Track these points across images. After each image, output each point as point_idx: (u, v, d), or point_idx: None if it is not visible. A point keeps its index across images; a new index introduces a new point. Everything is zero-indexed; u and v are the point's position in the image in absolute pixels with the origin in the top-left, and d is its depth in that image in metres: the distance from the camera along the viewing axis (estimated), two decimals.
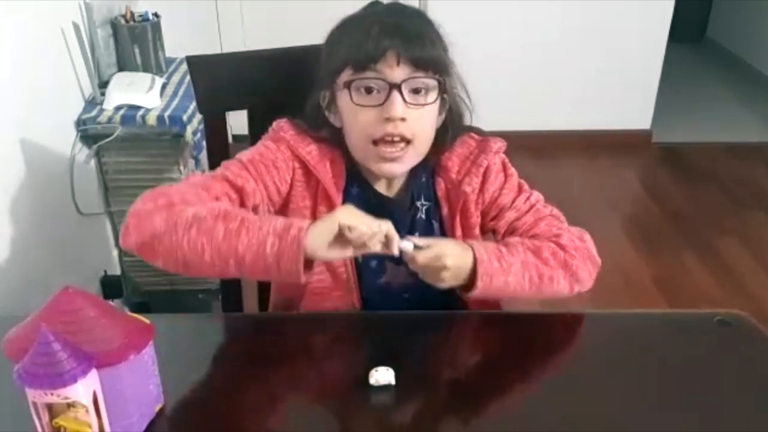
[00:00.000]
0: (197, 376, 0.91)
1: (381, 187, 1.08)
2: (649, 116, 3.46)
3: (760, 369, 0.94)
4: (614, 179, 3.28)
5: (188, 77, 1.40)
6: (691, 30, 4.72)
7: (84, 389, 0.70)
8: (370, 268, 1.08)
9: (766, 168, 3.33)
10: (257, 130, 1.08)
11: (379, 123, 0.98)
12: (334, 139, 1.05)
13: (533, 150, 3.16)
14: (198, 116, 1.83)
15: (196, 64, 1.19)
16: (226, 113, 1.24)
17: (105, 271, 1.93)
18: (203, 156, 1.91)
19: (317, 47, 1.06)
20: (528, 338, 1.00)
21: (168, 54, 2.08)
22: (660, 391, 0.88)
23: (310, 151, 1.04)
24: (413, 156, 1.02)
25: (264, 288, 1.24)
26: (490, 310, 1.14)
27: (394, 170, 1.03)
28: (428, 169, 1.09)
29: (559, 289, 1.03)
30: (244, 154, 1.03)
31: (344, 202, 1.04)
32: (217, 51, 1.39)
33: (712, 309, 1.04)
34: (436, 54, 0.99)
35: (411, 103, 0.97)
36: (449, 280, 0.95)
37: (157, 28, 2.00)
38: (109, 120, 1.77)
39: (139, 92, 1.83)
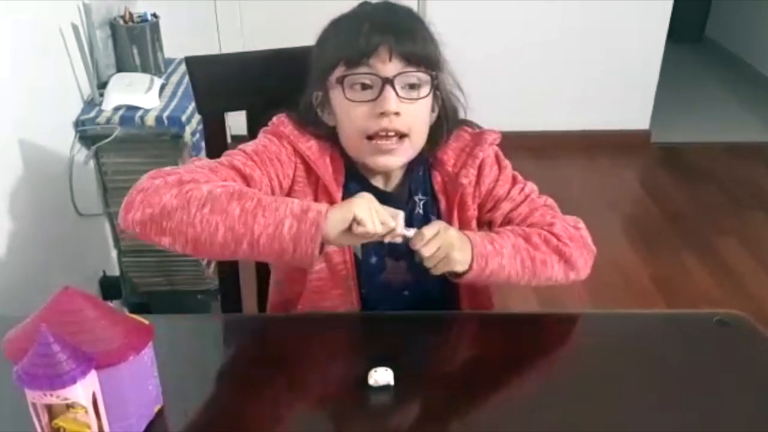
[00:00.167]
0: (196, 376, 0.91)
1: (378, 183, 1.08)
2: (648, 116, 3.47)
3: (759, 369, 0.94)
4: (613, 179, 3.28)
5: (187, 78, 1.40)
6: (690, 30, 4.73)
7: (83, 390, 0.70)
8: (369, 265, 1.08)
9: (766, 168, 3.33)
10: (256, 130, 1.08)
11: (373, 118, 0.98)
12: (328, 137, 1.05)
13: (533, 150, 3.16)
14: (197, 117, 1.83)
15: (195, 64, 1.19)
16: (225, 114, 1.24)
17: (104, 272, 1.93)
18: (202, 156, 1.91)
19: None
20: (527, 339, 1.00)
21: (167, 55, 2.08)
22: (659, 391, 0.88)
23: (311, 146, 1.04)
24: (408, 149, 1.02)
25: (263, 288, 1.24)
26: (484, 308, 1.14)
27: (389, 163, 1.03)
28: (424, 163, 1.09)
29: (553, 275, 1.04)
30: (247, 146, 1.03)
31: (344, 198, 1.04)
32: (216, 52, 1.38)
33: (712, 309, 1.04)
34: (428, 49, 1.00)
35: (404, 98, 0.98)
36: (454, 265, 0.95)
37: (155, 28, 2.00)
38: (108, 121, 1.77)
39: (138, 93, 1.83)
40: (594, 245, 1.08)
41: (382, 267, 1.09)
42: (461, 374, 0.95)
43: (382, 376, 0.86)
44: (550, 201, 1.11)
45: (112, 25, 1.98)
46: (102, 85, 1.87)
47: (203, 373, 0.92)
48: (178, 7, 2.59)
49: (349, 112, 1.00)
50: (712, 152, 3.44)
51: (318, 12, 1.04)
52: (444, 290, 1.10)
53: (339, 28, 1.03)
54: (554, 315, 1.06)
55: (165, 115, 1.79)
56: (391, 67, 0.97)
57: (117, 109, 1.79)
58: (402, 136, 1.00)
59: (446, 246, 0.94)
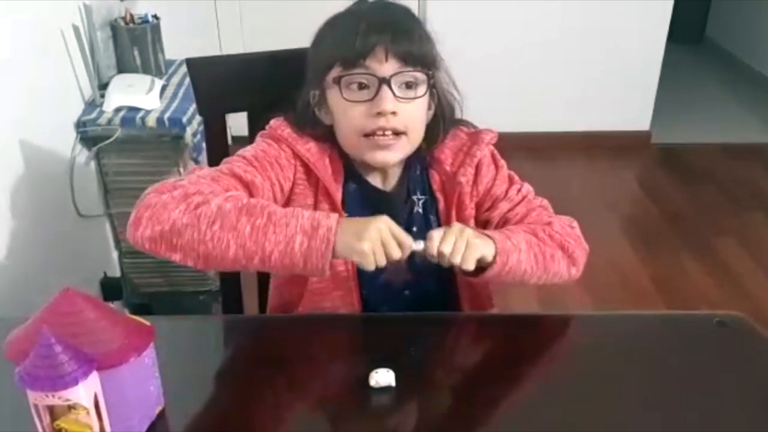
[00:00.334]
0: (198, 377, 0.91)
1: (377, 182, 1.09)
2: (648, 117, 3.47)
3: (759, 370, 0.94)
4: (613, 180, 3.29)
5: (188, 79, 1.40)
6: (690, 31, 4.73)
7: (85, 391, 0.70)
8: None
9: (765, 169, 3.33)
10: (257, 131, 1.08)
11: (369, 117, 0.99)
12: (326, 136, 1.06)
13: (532, 150, 3.16)
14: (197, 118, 1.83)
15: (196, 66, 1.19)
16: (226, 115, 1.24)
17: (104, 273, 1.94)
18: (203, 158, 1.90)
19: None
20: (527, 340, 1.00)
21: (167, 56, 2.08)
22: (659, 392, 0.88)
23: (309, 148, 1.04)
24: (405, 146, 1.03)
25: (265, 289, 1.24)
26: (484, 309, 1.15)
27: (387, 159, 1.03)
28: (422, 162, 1.10)
29: (560, 270, 1.04)
30: (246, 151, 1.03)
31: (343, 198, 1.05)
32: (217, 53, 1.39)
33: (711, 309, 1.05)
34: (425, 48, 1.01)
35: (401, 98, 0.99)
36: (480, 250, 0.93)
37: (156, 30, 2.01)
38: (109, 122, 1.77)
39: (139, 94, 1.83)
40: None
41: (383, 268, 1.09)
42: (462, 375, 0.96)
43: (383, 377, 0.86)
44: (545, 202, 1.12)
45: (113, 26, 1.98)
46: (103, 86, 1.87)
47: (204, 374, 0.92)
48: (179, 8, 2.59)
49: (347, 111, 1.00)
50: (711, 153, 3.44)
51: (318, 13, 1.05)
52: (444, 290, 1.11)
53: (335, 27, 1.03)
54: (554, 316, 1.06)
55: (166, 116, 1.79)
56: (387, 67, 0.97)
57: (118, 110, 1.79)
58: (399, 133, 1.00)
59: (462, 235, 0.92)
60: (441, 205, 1.10)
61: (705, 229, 2.80)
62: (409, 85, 1.00)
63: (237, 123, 1.27)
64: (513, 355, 0.97)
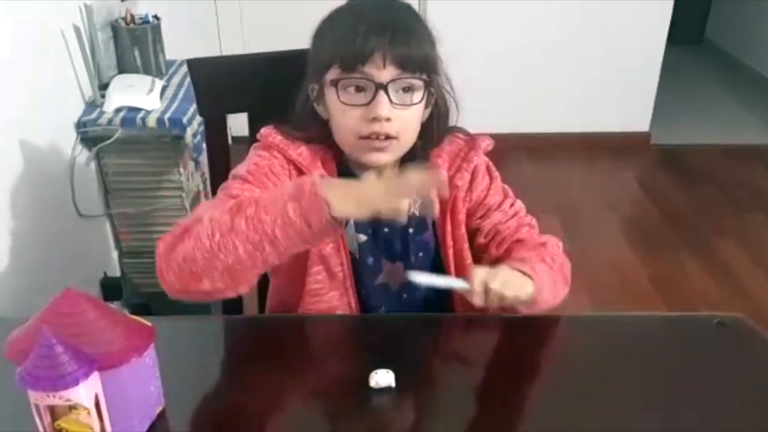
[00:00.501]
0: (198, 378, 0.91)
1: None
2: (647, 118, 3.47)
3: (759, 371, 0.94)
4: (613, 181, 3.29)
5: (188, 79, 1.40)
6: (689, 31, 4.73)
7: (86, 391, 0.70)
8: (366, 267, 1.09)
9: (765, 169, 3.33)
10: (257, 132, 1.08)
11: (365, 121, 0.99)
12: (322, 132, 1.06)
13: (532, 151, 3.17)
14: (198, 118, 1.83)
15: (197, 66, 1.19)
16: (227, 115, 1.24)
17: (105, 273, 1.94)
18: (203, 158, 1.91)
19: None
20: (528, 340, 1.01)
21: (168, 56, 2.08)
22: (659, 393, 0.89)
23: (301, 153, 1.05)
24: (397, 148, 1.03)
25: (265, 289, 1.24)
26: (483, 309, 1.14)
27: (381, 160, 1.03)
28: (418, 165, 1.09)
29: (562, 294, 1.07)
30: (240, 169, 1.03)
31: None
32: (217, 53, 1.39)
33: (710, 310, 1.05)
34: (424, 52, 1.00)
35: (397, 104, 0.99)
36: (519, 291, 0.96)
37: (157, 30, 2.01)
38: (109, 122, 1.77)
39: (139, 94, 1.83)
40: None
41: (379, 269, 1.10)
42: (462, 376, 0.95)
43: (383, 378, 0.86)
44: (534, 221, 1.14)
45: (114, 27, 1.98)
46: (103, 87, 1.87)
47: (205, 374, 0.92)
48: (180, 8, 2.60)
49: (343, 113, 1.01)
50: (711, 154, 3.45)
51: (318, 13, 1.05)
52: (440, 292, 1.11)
53: (336, 23, 1.03)
54: (553, 317, 1.06)
55: (166, 116, 1.79)
56: (385, 74, 0.97)
57: (118, 110, 1.79)
58: (391, 137, 1.01)
59: (496, 280, 0.93)
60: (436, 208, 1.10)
61: (705, 229, 2.80)
62: (406, 90, 1.00)
63: (237, 123, 1.28)
64: (513, 356, 0.97)
